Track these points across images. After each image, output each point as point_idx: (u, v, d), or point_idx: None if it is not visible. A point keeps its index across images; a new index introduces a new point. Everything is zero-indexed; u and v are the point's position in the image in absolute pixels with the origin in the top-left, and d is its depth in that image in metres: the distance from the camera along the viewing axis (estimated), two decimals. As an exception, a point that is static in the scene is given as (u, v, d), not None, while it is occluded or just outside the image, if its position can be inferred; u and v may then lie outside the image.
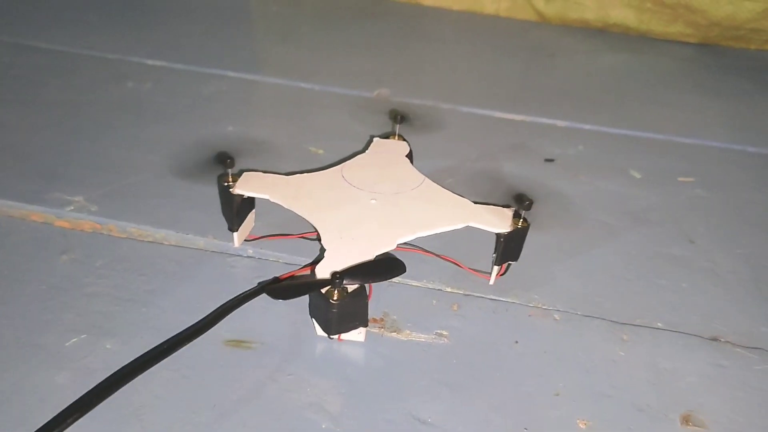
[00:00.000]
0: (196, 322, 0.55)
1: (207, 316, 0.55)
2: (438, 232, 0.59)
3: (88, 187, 0.71)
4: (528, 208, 0.59)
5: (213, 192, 0.71)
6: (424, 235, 0.58)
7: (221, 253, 0.64)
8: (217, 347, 0.54)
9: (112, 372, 0.50)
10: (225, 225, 0.64)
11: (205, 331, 0.53)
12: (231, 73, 0.97)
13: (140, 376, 0.50)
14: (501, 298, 0.60)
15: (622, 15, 1.19)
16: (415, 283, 0.62)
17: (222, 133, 0.82)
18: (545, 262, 0.65)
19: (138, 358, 0.52)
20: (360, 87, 0.95)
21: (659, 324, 0.59)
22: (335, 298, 0.51)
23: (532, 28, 1.22)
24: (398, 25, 1.22)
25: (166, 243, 0.65)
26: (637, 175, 0.79)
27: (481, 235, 0.61)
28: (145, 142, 0.80)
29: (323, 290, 0.51)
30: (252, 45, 1.12)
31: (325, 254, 0.55)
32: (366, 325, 0.54)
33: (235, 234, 0.63)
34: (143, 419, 0.49)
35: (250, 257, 0.64)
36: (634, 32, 1.21)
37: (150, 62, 0.99)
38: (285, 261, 0.63)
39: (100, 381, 0.49)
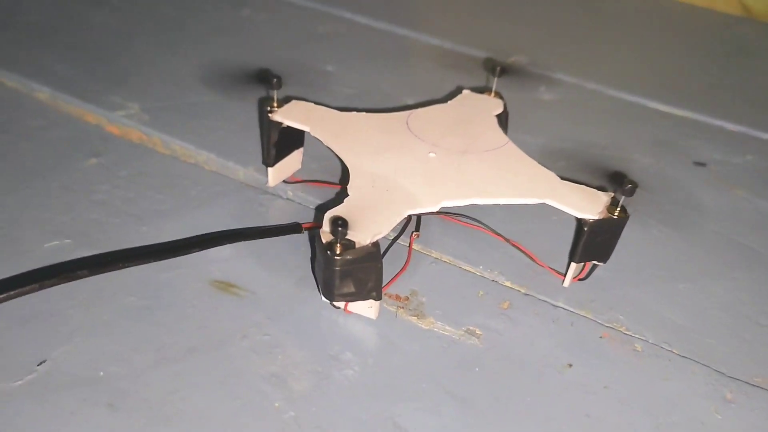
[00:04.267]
0: (196, 236, 0.46)
1: (215, 233, 0.46)
2: (500, 202, 0.45)
3: (149, 97, 0.65)
4: (630, 193, 0.43)
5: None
6: (481, 203, 0.45)
7: (257, 188, 0.54)
8: (201, 285, 0.45)
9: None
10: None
11: (196, 250, 0.44)
12: (356, 17, 0.87)
13: (100, 295, 0.42)
14: (571, 308, 0.45)
15: None
16: (467, 267, 0.48)
17: (318, 71, 0.73)
18: (650, 278, 0.49)
19: (112, 253, 0.44)
20: (495, 50, 0.82)
21: (788, 391, 0.41)
22: (337, 252, 0.39)
23: (733, 22, 1.01)
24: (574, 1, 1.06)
25: (205, 167, 0.57)
26: (816, 203, 0.59)
27: (569, 226, 0.47)
28: (230, 64, 0.72)
29: (324, 241, 0.40)
30: None
31: (345, 200, 0.43)
32: (379, 298, 0.42)
33: (270, 170, 0.53)
34: (73, 342, 0.40)
35: (288, 200, 0.54)
36: None
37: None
38: (323, 207, 0.53)
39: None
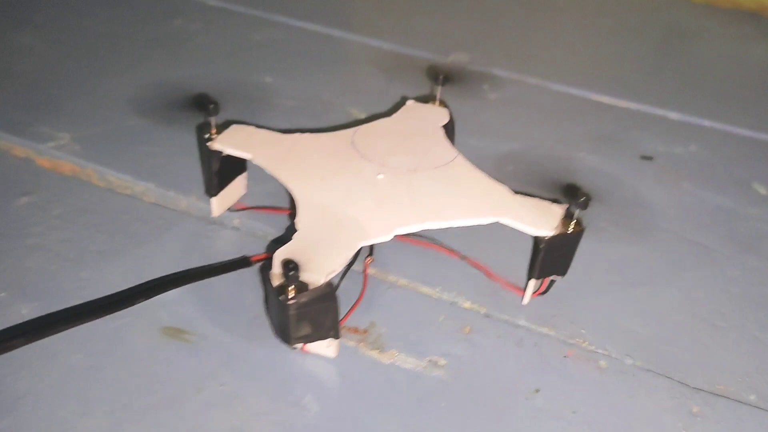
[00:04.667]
0: (141, 284, 0.44)
1: (161, 278, 0.44)
2: (453, 225, 0.44)
3: (79, 125, 0.62)
4: (584, 206, 0.43)
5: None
6: (434, 227, 0.44)
7: (201, 218, 0.52)
8: (150, 333, 0.43)
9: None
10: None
11: (141, 301, 0.42)
12: (292, 21, 0.84)
13: (43, 355, 0.40)
14: (533, 326, 0.45)
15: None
16: (426, 289, 0.47)
17: (256, 84, 0.70)
18: (606, 286, 0.48)
19: (51, 314, 0.41)
20: (434, 49, 0.80)
21: (752, 397, 0.41)
22: (291, 296, 0.37)
23: (669, 4, 1.02)
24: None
25: (144, 199, 0.54)
26: (763, 191, 0.60)
27: (524, 238, 0.46)
28: (166, 84, 0.69)
29: (275, 283, 0.38)
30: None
31: (294, 236, 0.41)
32: (337, 337, 0.40)
33: (213, 200, 0.51)
34: (18, 412, 0.37)
35: (235, 229, 0.52)
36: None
37: (210, 2, 0.89)
38: (274, 238, 0.51)
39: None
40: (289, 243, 0.40)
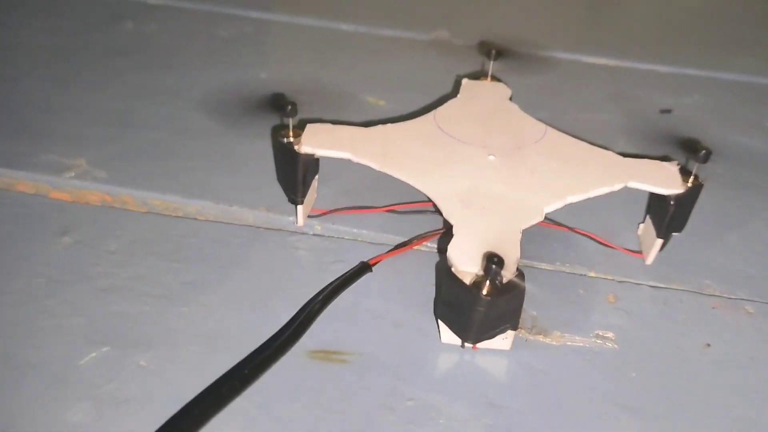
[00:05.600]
0: (284, 328, 0.39)
1: (297, 316, 0.40)
2: (590, 195, 0.43)
3: (90, 147, 0.54)
4: (704, 160, 0.43)
5: (259, 151, 0.55)
6: (577, 200, 0.42)
7: (279, 230, 0.48)
8: (299, 360, 0.38)
9: (170, 412, 0.34)
10: (279, 193, 0.48)
11: (298, 339, 0.37)
12: (253, 14, 0.79)
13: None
14: (666, 285, 0.45)
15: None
16: (545, 266, 0.46)
17: (254, 81, 0.65)
18: (702, 237, 0.49)
19: (206, 391, 0.35)
20: (412, 28, 0.78)
21: None
22: (485, 291, 0.35)
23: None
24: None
25: (201, 218, 0.49)
26: (776, 129, 0.64)
27: (608, 201, 0.46)
28: (157, 90, 0.63)
29: (466, 281, 0.35)
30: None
31: (455, 231, 0.39)
32: (516, 328, 0.38)
33: (299, 208, 0.47)
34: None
35: (319, 236, 0.48)
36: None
37: (151, 1, 0.81)
38: (368, 239, 0.47)
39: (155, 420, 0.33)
40: (455, 238, 0.38)
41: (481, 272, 0.35)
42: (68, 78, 0.64)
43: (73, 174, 0.51)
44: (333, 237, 0.48)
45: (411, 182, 0.43)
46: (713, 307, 0.43)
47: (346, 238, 0.48)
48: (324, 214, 0.49)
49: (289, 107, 0.44)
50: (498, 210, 0.40)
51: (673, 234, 0.46)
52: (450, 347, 0.39)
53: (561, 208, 0.42)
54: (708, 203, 0.52)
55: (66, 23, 0.75)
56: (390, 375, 0.38)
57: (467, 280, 0.35)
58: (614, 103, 0.66)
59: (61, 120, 0.57)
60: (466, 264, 0.36)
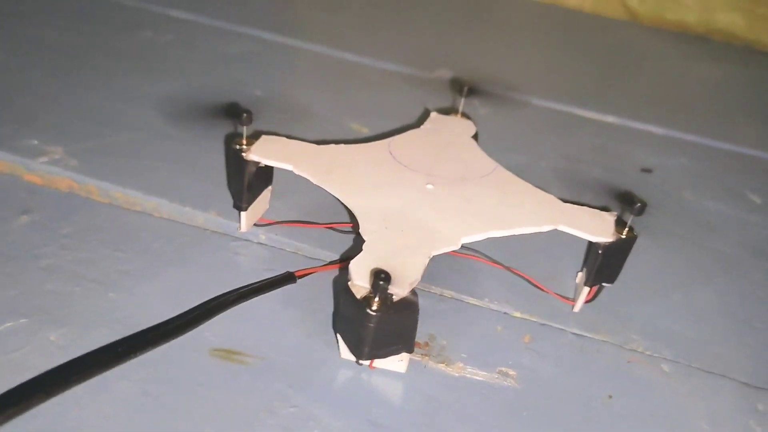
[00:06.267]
0: (188, 311, 0.41)
1: (208, 302, 0.41)
2: (515, 233, 0.43)
3: (70, 138, 0.57)
4: (639, 212, 0.43)
5: (223, 159, 0.57)
6: (499, 234, 0.43)
7: (224, 234, 0.49)
8: (198, 355, 0.39)
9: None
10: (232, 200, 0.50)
11: (198, 325, 0.39)
12: (265, 35, 0.82)
13: (88, 386, 0.36)
14: (588, 334, 0.45)
15: (729, 20, 1.03)
16: (474, 301, 0.46)
17: (247, 97, 0.68)
18: (642, 293, 0.49)
19: (92, 353, 0.37)
20: (415, 65, 0.80)
21: (808, 393, 0.42)
22: (375, 307, 0.35)
23: (619, 27, 1.07)
24: (466, 8, 1.07)
25: (155, 215, 0.51)
26: (757, 200, 0.63)
27: (558, 248, 0.46)
28: (151, 96, 0.66)
29: (358, 295, 0.36)
30: (294, 7, 0.98)
31: (364, 247, 0.40)
32: (411, 351, 0.39)
33: (243, 214, 0.48)
34: (77, 449, 0.34)
35: (262, 244, 0.49)
36: (741, 41, 1.04)
37: (173, 13, 0.85)
38: (306, 254, 0.49)
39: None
40: (361, 254, 0.39)
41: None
42: (70, 74, 0.68)
43: (47, 160, 0.54)
44: (274, 247, 0.49)
45: (342, 198, 0.44)
46: (629, 361, 0.43)
47: (287, 249, 0.49)
48: (270, 224, 0.50)
49: (244, 115, 0.46)
50: (414, 234, 0.41)
51: (605, 285, 0.46)
52: (349, 363, 0.40)
53: (492, 247, 0.43)
54: (663, 261, 0.52)
55: (88, 26, 0.79)
56: (283, 382, 0.38)
57: (360, 295, 0.36)
58: (596, 155, 0.66)
59: (50, 110, 0.61)
60: (361, 279, 0.36)
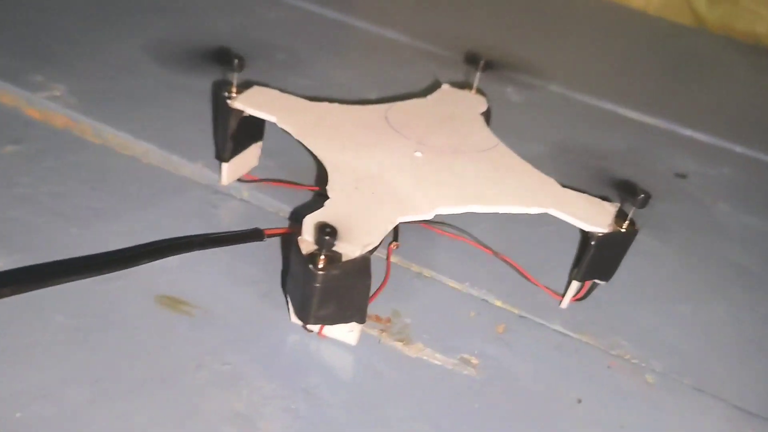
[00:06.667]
0: (141, 245, 0.39)
1: (163, 241, 0.39)
2: (499, 210, 0.39)
3: (76, 79, 0.56)
4: (642, 205, 0.39)
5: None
6: (479, 210, 0.39)
7: (207, 186, 0.47)
8: (145, 301, 0.37)
9: None
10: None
11: (143, 263, 0.37)
12: (310, 6, 0.80)
13: (21, 311, 0.34)
14: (570, 332, 0.41)
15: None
16: (453, 284, 0.43)
17: (268, 59, 0.66)
18: (646, 297, 0.44)
19: (39, 266, 0.36)
20: (450, 46, 0.77)
21: (812, 429, 0.37)
22: (321, 265, 0.32)
23: (685, 32, 1.00)
24: (533, 7, 1.03)
25: (144, 160, 0.49)
26: (798, 219, 0.57)
27: (557, 240, 0.42)
28: (169, 47, 0.64)
29: (305, 251, 0.33)
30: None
31: (326, 203, 0.37)
32: (362, 321, 0.35)
33: (224, 165, 0.46)
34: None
35: (244, 201, 0.47)
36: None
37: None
38: (286, 215, 0.46)
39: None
40: (320, 209, 0.36)
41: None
42: (103, 20, 0.67)
43: (48, 95, 0.53)
44: (255, 205, 0.47)
45: (316, 152, 0.41)
46: (609, 366, 0.39)
47: (268, 209, 0.46)
48: (255, 181, 0.48)
49: (236, 61, 0.44)
50: (385, 198, 0.38)
51: (599, 282, 0.42)
52: (297, 328, 0.37)
53: (487, 232, 0.40)
54: (677, 270, 0.48)
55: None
56: (222, 338, 0.36)
57: (306, 251, 0.33)
58: (629, 154, 0.62)
59: (70, 52, 0.60)
60: (312, 234, 0.34)
